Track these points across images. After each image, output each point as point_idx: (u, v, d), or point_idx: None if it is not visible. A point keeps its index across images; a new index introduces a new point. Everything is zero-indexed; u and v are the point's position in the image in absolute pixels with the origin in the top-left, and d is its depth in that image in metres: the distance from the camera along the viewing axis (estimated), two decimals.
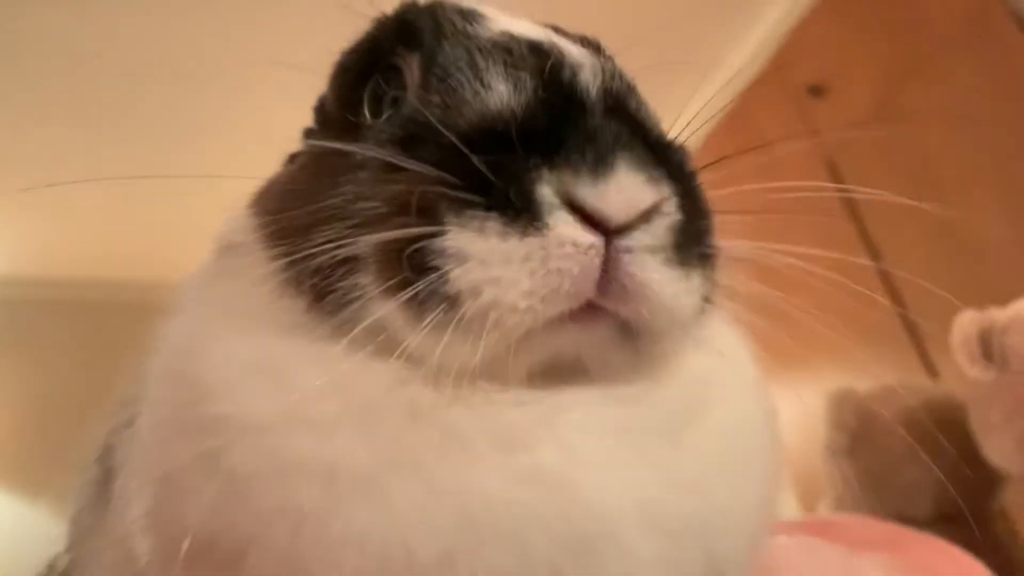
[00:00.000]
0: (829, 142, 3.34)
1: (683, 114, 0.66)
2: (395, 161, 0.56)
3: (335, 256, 0.56)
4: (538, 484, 0.52)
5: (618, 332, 0.56)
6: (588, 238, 0.52)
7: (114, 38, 3.21)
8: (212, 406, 0.55)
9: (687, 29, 3.47)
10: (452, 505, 0.51)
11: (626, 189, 0.53)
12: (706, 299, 0.59)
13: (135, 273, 4.64)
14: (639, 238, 0.53)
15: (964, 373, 1.93)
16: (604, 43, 0.69)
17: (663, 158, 0.56)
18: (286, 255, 0.60)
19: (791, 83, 3.63)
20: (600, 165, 0.52)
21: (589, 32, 0.71)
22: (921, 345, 2.59)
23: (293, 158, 0.77)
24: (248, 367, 0.56)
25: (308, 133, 0.77)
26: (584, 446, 0.54)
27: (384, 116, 0.64)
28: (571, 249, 0.52)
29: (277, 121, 0.80)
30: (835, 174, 3.27)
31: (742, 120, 3.64)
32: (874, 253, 2.85)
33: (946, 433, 2.04)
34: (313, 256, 0.57)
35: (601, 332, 0.56)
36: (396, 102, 0.64)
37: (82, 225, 4.17)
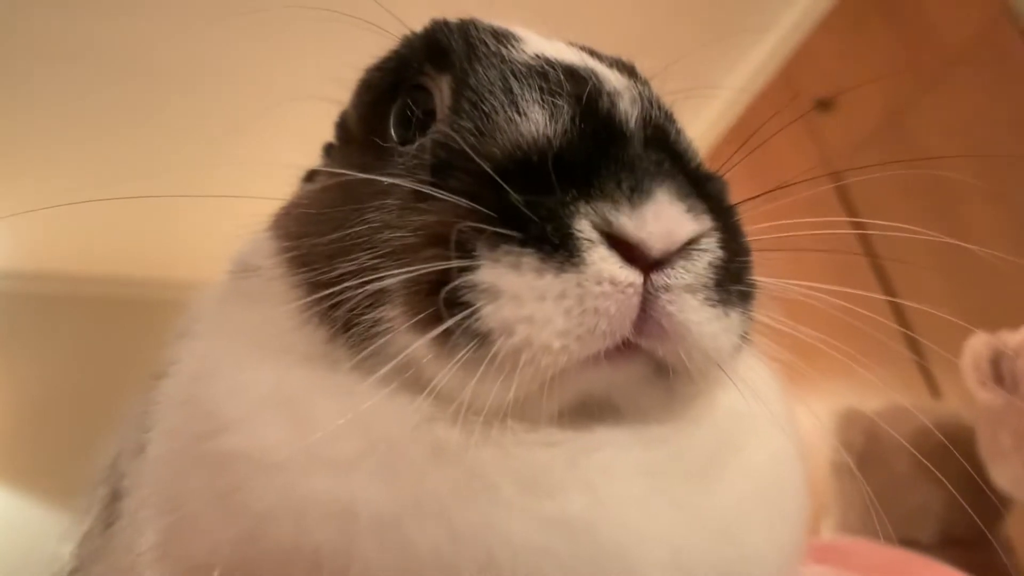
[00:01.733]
0: (837, 160, 3.33)
1: (691, 125, 0.65)
2: (425, 191, 0.54)
3: (361, 288, 0.54)
4: (565, 530, 0.50)
5: (652, 371, 0.54)
6: (627, 275, 0.50)
7: (132, 39, 3.21)
8: (228, 440, 0.53)
9: (695, 40, 3.46)
10: (475, 550, 0.49)
11: (665, 218, 0.51)
12: (743, 337, 0.57)
13: (137, 270, 4.65)
14: (679, 276, 0.51)
15: (969, 395, 1.91)
16: (638, 67, 0.66)
17: (703, 190, 0.54)
18: (308, 283, 0.58)
19: (799, 97, 3.62)
20: (638, 194, 0.50)
21: (596, 46, 0.69)
22: (925, 366, 2.58)
23: (312, 175, 0.75)
24: (266, 400, 0.54)
25: (328, 149, 0.75)
26: (613, 490, 0.52)
27: (411, 140, 0.61)
28: (609, 287, 0.50)
29: (293, 133, 0.78)
30: (841, 189, 3.26)
31: (749, 132, 3.64)
32: (880, 273, 2.84)
33: (952, 456, 2.02)
34: (337, 286, 0.55)
35: (635, 371, 0.54)
36: (424, 125, 0.61)
37: (85, 221, 4.15)
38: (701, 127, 3.93)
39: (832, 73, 3.59)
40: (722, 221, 0.55)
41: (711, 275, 0.53)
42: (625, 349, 0.52)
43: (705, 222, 0.53)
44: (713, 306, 0.53)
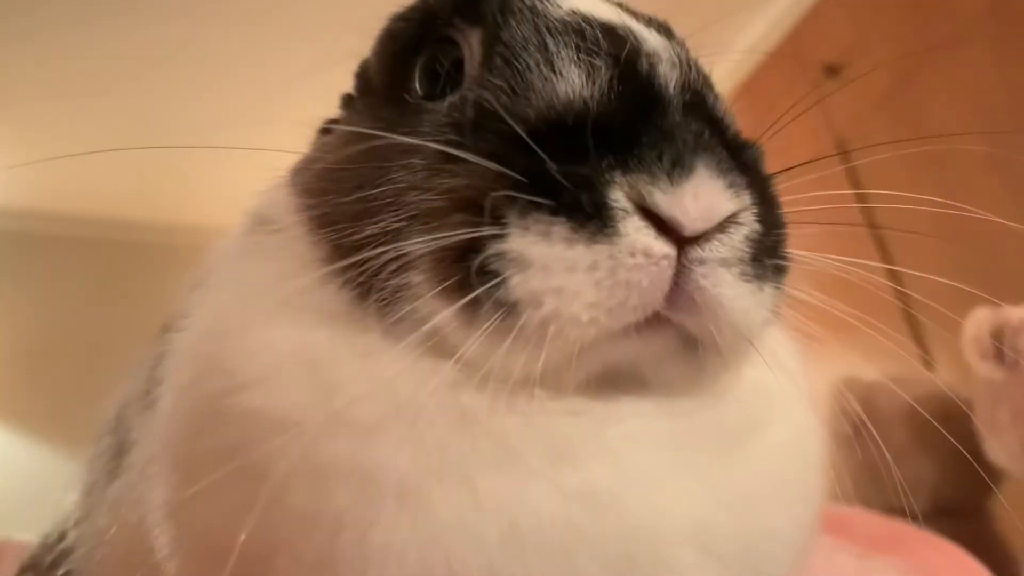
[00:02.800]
0: (843, 127, 3.30)
1: None
2: (454, 152, 0.52)
3: (387, 254, 0.52)
4: (588, 501, 0.49)
5: (681, 344, 0.53)
6: (661, 248, 0.48)
7: None
8: (244, 399, 0.51)
9: (705, 3, 3.41)
10: (498, 519, 0.48)
11: (704, 196, 0.49)
12: (774, 312, 0.56)
13: (143, 213, 4.62)
14: (714, 249, 0.50)
15: (966, 368, 1.91)
16: (674, 26, 0.64)
17: (741, 161, 0.53)
18: (332, 244, 0.56)
19: (807, 61, 3.58)
20: (678, 169, 0.48)
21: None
22: (919, 336, 2.58)
23: (329, 127, 0.72)
24: (288, 359, 0.53)
25: (347, 100, 0.72)
26: (637, 461, 0.52)
27: (437, 95, 0.59)
28: (642, 259, 0.48)
29: (310, 82, 0.76)
30: (845, 161, 3.24)
31: (755, 96, 3.61)
32: (881, 245, 2.83)
33: (948, 428, 2.03)
34: (362, 249, 0.53)
35: (664, 344, 0.52)
36: (452, 81, 0.59)
37: (93, 163, 4.10)
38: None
39: (841, 39, 3.55)
40: (759, 193, 0.53)
41: (747, 248, 0.51)
42: (655, 321, 0.50)
43: (744, 198, 0.51)
44: (748, 281, 0.51)
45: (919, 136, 3.08)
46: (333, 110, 0.74)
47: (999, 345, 1.81)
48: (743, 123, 0.61)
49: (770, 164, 0.61)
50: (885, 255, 2.61)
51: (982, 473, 1.99)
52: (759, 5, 3.83)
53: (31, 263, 4.76)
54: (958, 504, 1.99)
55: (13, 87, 3.77)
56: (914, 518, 1.46)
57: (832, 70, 3.48)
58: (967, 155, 2.84)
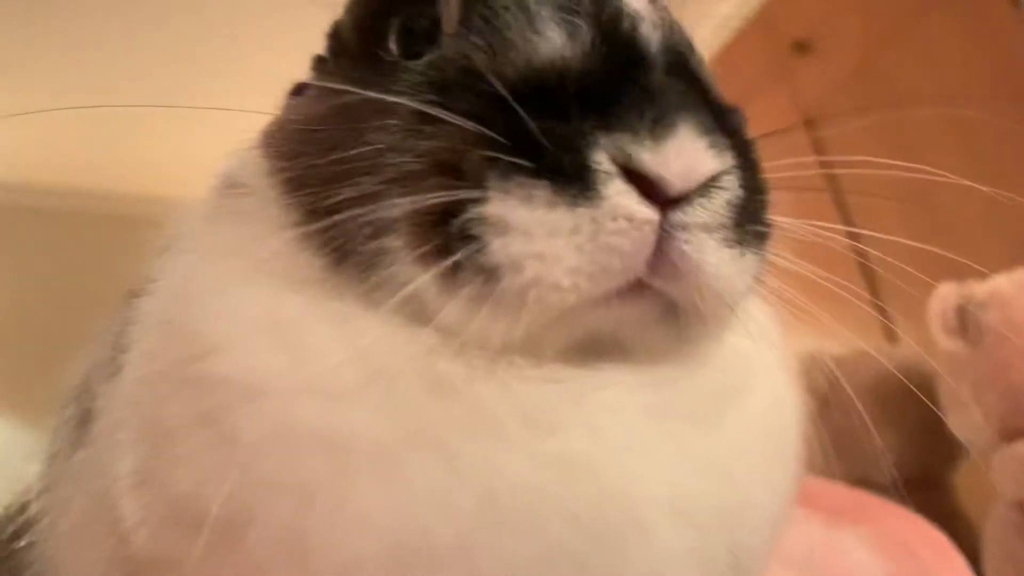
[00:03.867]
0: (809, 101, 3.31)
1: None
2: (432, 112, 0.50)
3: (364, 217, 0.50)
4: (565, 469, 0.49)
5: (662, 311, 0.52)
6: (644, 211, 0.47)
7: None
8: (214, 364, 0.50)
9: None
10: (474, 487, 0.47)
11: (687, 154, 0.47)
12: (756, 278, 0.55)
13: (111, 184, 4.54)
14: (697, 214, 0.49)
15: (928, 342, 1.94)
16: None
17: (724, 124, 0.52)
18: (305, 208, 0.55)
19: (776, 37, 3.59)
20: (660, 126, 0.47)
21: None
22: (885, 311, 2.62)
23: (300, 89, 0.70)
24: (256, 323, 0.51)
25: (319, 62, 0.70)
26: (615, 429, 0.51)
27: (414, 55, 0.57)
28: (624, 224, 0.47)
29: (282, 44, 0.74)
30: (811, 130, 3.26)
31: (724, 74, 3.61)
32: (845, 216, 2.86)
33: (910, 401, 2.06)
34: (337, 213, 0.51)
35: (645, 310, 0.51)
36: (429, 39, 0.57)
37: (59, 131, 4.03)
38: None
39: (810, 15, 3.55)
40: (741, 157, 0.52)
41: (729, 214, 0.51)
42: (637, 287, 0.50)
43: (727, 159, 0.50)
44: (730, 247, 0.51)
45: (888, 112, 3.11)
46: (304, 73, 0.72)
47: (963, 320, 1.83)
48: None
49: None
50: (851, 225, 2.63)
51: (944, 446, 2.03)
52: None
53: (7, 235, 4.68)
54: (921, 476, 2.02)
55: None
56: (878, 489, 1.48)
57: (801, 46, 3.49)
58: (930, 126, 2.87)
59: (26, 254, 4.65)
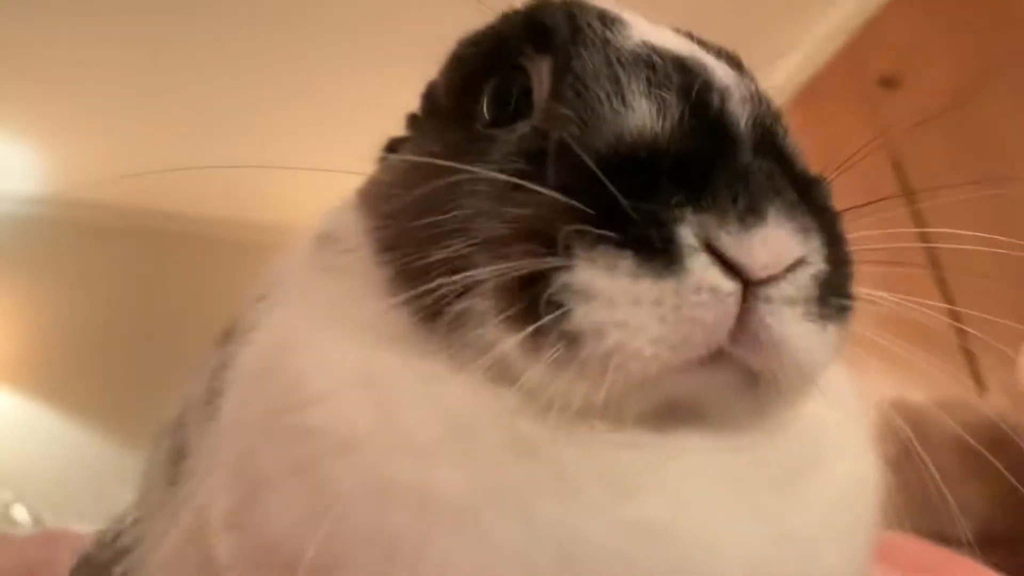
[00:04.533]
0: (897, 135, 3.24)
1: None
2: (524, 183, 0.52)
3: (453, 280, 0.53)
4: (643, 533, 0.50)
5: (742, 380, 0.52)
6: (727, 285, 0.48)
7: None
8: (310, 416, 0.53)
9: (761, 11, 3.38)
10: (552, 547, 0.48)
11: (774, 243, 0.49)
12: (837, 351, 0.56)
13: (195, 206, 4.70)
14: (781, 288, 0.50)
15: (1018, 397, 1.87)
16: (743, 58, 0.64)
17: (810, 201, 0.52)
18: (398, 267, 0.57)
19: (863, 73, 3.53)
20: (750, 214, 0.48)
21: (657, 13, 0.66)
22: (973, 364, 2.54)
23: (394, 145, 0.73)
24: (352, 378, 0.54)
25: (413, 120, 0.73)
26: (693, 496, 0.52)
27: (505, 122, 0.60)
28: (708, 296, 0.48)
29: (377, 101, 0.77)
30: (899, 170, 3.19)
31: (809, 107, 3.56)
32: (934, 263, 2.78)
33: (998, 454, 1.98)
34: (428, 273, 0.54)
35: (725, 379, 0.52)
36: (520, 108, 0.59)
37: (133, 153, 4.19)
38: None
39: (899, 51, 3.49)
40: (827, 231, 0.53)
41: (813, 288, 0.51)
42: (718, 356, 0.50)
43: (813, 242, 0.51)
44: (813, 321, 0.51)
45: (978, 153, 3.03)
46: (398, 128, 0.75)
47: None
48: (799, 134, 0.61)
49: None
50: (943, 289, 2.56)
51: None
52: (817, 14, 3.78)
53: (88, 253, 4.86)
54: (1006, 534, 1.95)
55: (78, 79, 3.87)
56: (960, 546, 1.44)
57: (888, 82, 3.42)
58: None
59: (121, 272, 4.83)
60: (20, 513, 3.93)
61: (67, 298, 4.72)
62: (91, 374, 4.43)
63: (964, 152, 3.06)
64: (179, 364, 0.76)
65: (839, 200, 0.59)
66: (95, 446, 4.37)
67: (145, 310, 4.55)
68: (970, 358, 2.50)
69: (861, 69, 3.60)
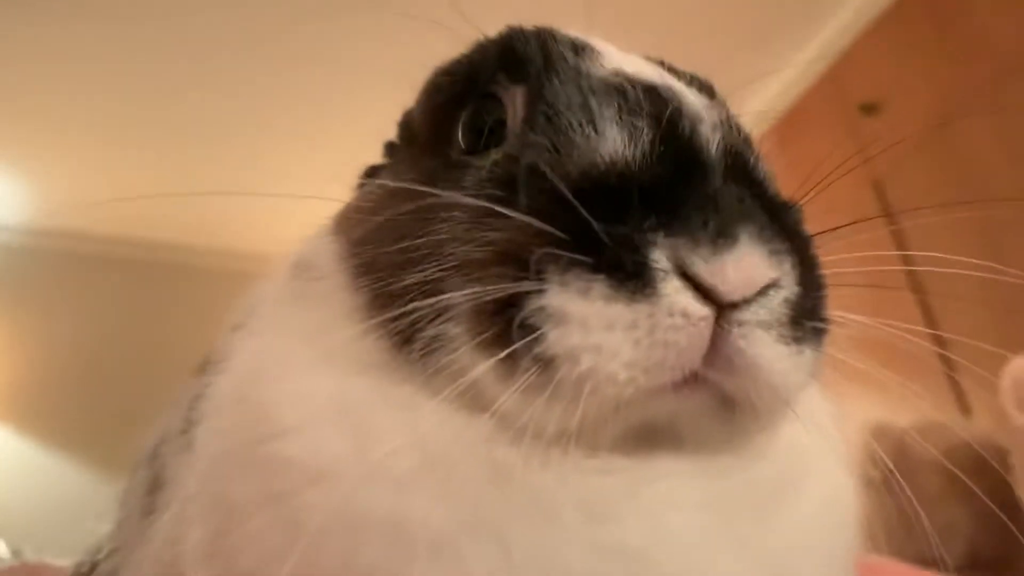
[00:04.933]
0: (879, 166, 3.28)
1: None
2: (497, 208, 0.52)
3: (427, 304, 0.53)
4: (622, 559, 0.49)
5: (717, 403, 0.52)
6: (700, 309, 0.48)
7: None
8: (283, 446, 0.52)
9: (742, 38, 3.42)
10: (530, 574, 0.48)
11: (746, 266, 0.49)
12: (813, 374, 0.56)
13: (182, 235, 4.70)
14: (754, 312, 0.50)
15: (1001, 416, 1.88)
16: (715, 84, 0.65)
17: (782, 224, 0.53)
18: (372, 292, 0.57)
19: (843, 100, 3.57)
20: (721, 238, 0.48)
21: (638, 39, 0.66)
22: (958, 384, 2.54)
23: (373, 172, 0.74)
24: (325, 409, 0.54)
25: (390, 148, 0.74)
26: (671, 521, 0.52)
27: (480, 150, 0.60)
28: (681, 320, 0.48)
29: (355, 129, 0.77)
30: (881, 195, 3.22)
31: (790, 133, 3.60)
32: (916, 286, 2.80)
33: (983, 476, 1.99)
34: (402, 297, 0.54)
35: (700, 402, 0.52)
36: (494, 136, 0.60)
37: (120, 184, 4.20)
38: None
39: (879, 77, 3.53)
40: (799, 255, 0.53)
41: (786, 311, 0.51)
42: (692, 380, 0.50)
43: (785, 265, 0.51)
44: (787, 344, 0.51)
45: (958, 178, 3.06)
46: (378, 156, 0.75)
47: None
48: (779, 160, 0.61)
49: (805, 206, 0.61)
50: (925, 312, 2.58)
51: (1018, 524, 1.94)
52: (798, 41, 3.83)
53: (70, 283, 4.84)
54: (993, 556, 1.95)
55: (65, 110, 3.88)
56: (945, 569, 1.44)
57: (869, 108, 3.46)
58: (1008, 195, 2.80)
59: (101, 303, 4.82)
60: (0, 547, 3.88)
61: (48, 330, 4.70)
62: (73, 406, 4.40)
63: (944, 177, 3.10)
64: (161, 397, 0.75)
65: (819, 223, 0.60)
66: (76, 479, 4.33)
67: (127, 341, 4.52)
68: (953, 382, 2.50)
69: (842, 95, 3.64)
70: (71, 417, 4.41)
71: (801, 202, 0.60)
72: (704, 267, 0.48)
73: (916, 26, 3.41)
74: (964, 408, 2.65)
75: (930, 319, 2.57)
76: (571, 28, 0.65)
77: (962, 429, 2.07)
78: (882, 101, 3.43)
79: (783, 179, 0.61)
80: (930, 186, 3.13)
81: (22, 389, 4.58)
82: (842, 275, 0.59)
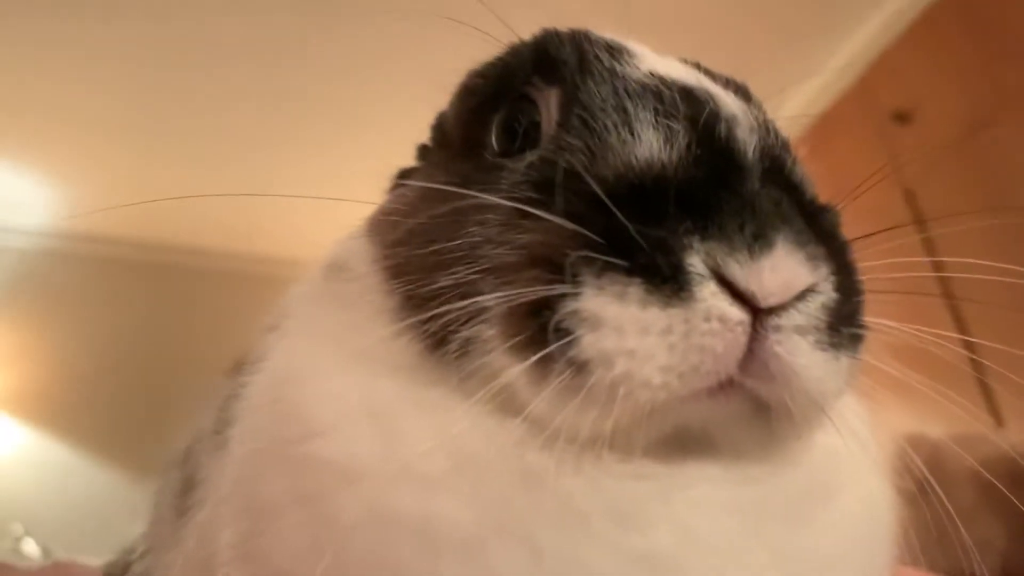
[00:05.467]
0: (911, 173, 3.24)
1: None
2: (532, 211, 0.52)
3: (460, 306, 0.52)
4: (652, 566, 0.49)
5: (752, 409, 0.52)
6: (736, 314, 0.48)
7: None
8: (316, 447, 0.52)
9: (773, 44, 3.41)
10: None
11: (783, 271, 0.48)
12: (849, 381, 0.55)
13: (212, 240, 4.75)
14: (791, 317, 0.49)
15: None
16: (751, 87, 0.64)
17: (819, 228, 0.52)
18: (405, 294, 0.57)
19: (875, 108, 3.54)
20: (758, 242, 0.48)
21: (671, 43, 0.66)
22: (992, 396, 2.51)
23: (404, 174, 0.74)
24: (356, 409, 0.54)
25: (423, 151, 0.74)
26: (703, 527, 0.51)
27: (513, 152, 0.60)
28: (717, 325, 0.48)
29: (388, 133, 0.78)
30: (912, 203, 3.18)
31: (822, 142, 3.57)
32: (949, 294, 2.76)
33: (1018, 489, 1.95)
34: (434, 300, 0.54)
35: (734, 408, 0.52)
36: (528, 138, 0.60)
37: (144, 187, 4.25)
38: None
39: (912, 85, 3.50)
40: (836, 260, 0.52)
41: (823, 316, 0.51)
42: (727, 386, 0.50)
43: (822, 270, 0.51)
44: (824, 350, 0.51)
45: (990, 186, 3.02)
46: (410, 159, 0.75)
47: None
48: (810, 167, 0.60)
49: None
50: (958, 320, 2.54)
51: None
52: (829, 48, 3.80)
53: (99, 287, 4.89)
54: None
55: (93, 114, 3.93)
56: None
57: (901, 116, 3.43)
58: None
59: (133, 308, 4.86)
60: (30, 547, 3.92)
61: (78, 332, 4.75)
62: (102, 409, 4.43)
63: (976, 185, 3.05)
64: (189, 399, 0.76)
65: (851, 231, 0.59)
66: (105, 481, 4.37)
67: (156, 344, 4.56)
68: (987, 391, 2.47)
69: (874, 104, 3.61)
70: (99, 419, 4.45)
71: (839, 206, 0.59)
72: (740, 272, 0.48)
73: (949, 33, 3.37)
74: (998, 417, 2.61)
75: (963, 327, 2.54)
76: (606, 30, 0.65)
77: (999, 440, 2.04)
78: (914, 109, 3.40)
79: (815, 187, 0.61)
80: (963, 194, 3.09)
81: (50, 392, 4.62)
82: (876, 281, 0.59)
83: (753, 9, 3.41)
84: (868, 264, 0.58)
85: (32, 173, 4.39)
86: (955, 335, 0.62)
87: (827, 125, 3.69)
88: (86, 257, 4.93)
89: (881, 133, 3.47)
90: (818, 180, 0.61)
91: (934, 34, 3.44)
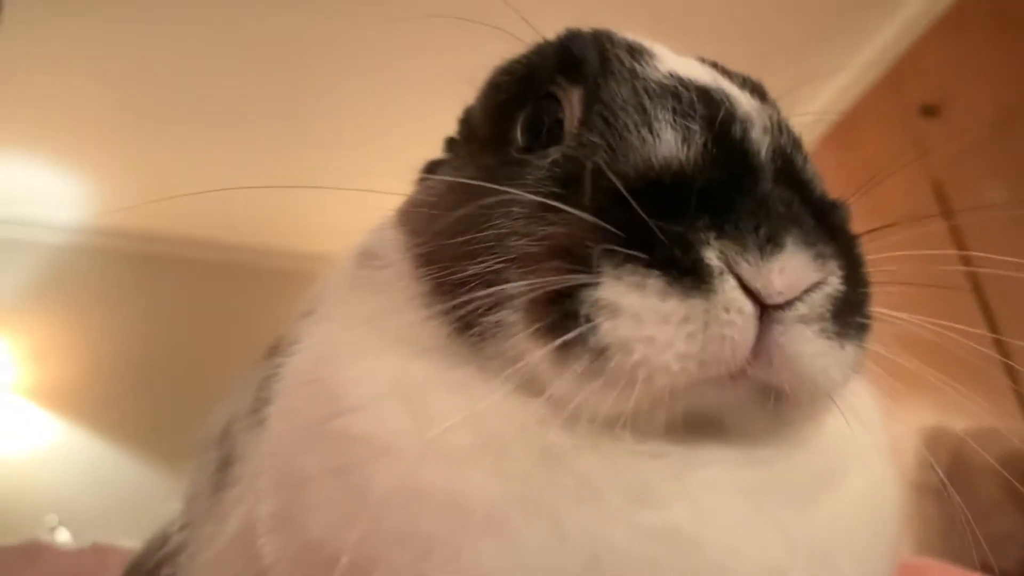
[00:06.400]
0: (938, 168, 3.22)
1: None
2: (555, 204, 0.55)
3: (485, 292, 0.55)
4: (666, 541, 0.52)
5: (761, 395, 0.54)
6: (750, 306, 0.51)
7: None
8: (350, 423, 0.56)
9: (801, 40, 3.40)
10: (579, 551, 0.51)
11: (790, 272, 0.51)
12: (855, 368, 0.57)
13: (245, 236, 4.80)
14: (796, 308, 0.52)
15: None
16: (766, 86, 0.66)
17: (829, 226, 0.55)
18: (434, 281, 0.60)
19: (903, 102, 3.52)
20: (769, 244, 0.51)
21: (700, 39, 0.68)
22: (1019, 391, 2.49)
23: (432, 167, 0.77)
24: (390, 388, 0.57)
25: (451, 143, 0.77)
26: (715, 505, 0.54)
27: (537, 148, 0.63)
28: (736, 316, 0.50)
29: (416, 128, 0.80)
30: (941, 196, 3.17)
31: (850, 135, 3.56)
32: (975, 286, 2.75)
33: None
34: (463, 287, 0.57)
35: (746, 393, 0.54)
36: (552, 135, 0.63)
37: (180, 183, 4.31)
38: (801, 122, 3.87)
39: (940, 79, 3.48)
40: (844, 253, 0.55)
41: (829, 307, 0.53)
42: (737, 372, 0.53)
43: (830, 267, 0.53)
44: (829, 338, 0.53)
45: (1019, 179, 3.00)
46: (437, 151, 0.78)
47: None
48: (838, 162, 0.62)
49: (864, 207, 0.62)
50: (983, 310, 2.53)
51: None
52: (857, 42, 3.78)
53: (134, 282, 4.96)
54: None
55: (128, 111, 3.99)
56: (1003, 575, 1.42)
57: (929, 110, 3.41)
58: None
59: (167, 302, 4.94)
60: (64, 537, 4.00)
61: (112, 327, 4.81)
62: (135, 402, 4.48)
63: (1005, 178, 3.03)
64: (219, 392, 0.79)
65: (877, 224, 0.61)
66: (138, 473, 4.44)
67: (187, 338, 4.62)
68: (1010, 384, 2.46)
69: (901, 97, 3.59)
70: (132, 413, 4.51)
71: (855, 202, 0.61)
72: (751, 270, 0.50)
73: (976, 27, 3.34)
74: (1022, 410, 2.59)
75: (990, 321, 2.53)
76: (634, 27, 0.67)
77: (1019, 434, 2.03)
78: (942, 103, 3.37)
79: (842, 181, 0.62)
80: (990, 187, 3.07)
81: (84, 385, 4.69)
82: (897, 273, 0.61)
83: (782, 6, 3.41)
84: (890, 255, 0.61)
85: (67, 170, 4.46)
86: (976, 331, 0.64)
87: (855, 119, 3.68)
88: (118, 253, 5.00)
89: (909, 127, 3.45)
90: (846, 173, 0.62)
91: (961, 28, 3.41)
